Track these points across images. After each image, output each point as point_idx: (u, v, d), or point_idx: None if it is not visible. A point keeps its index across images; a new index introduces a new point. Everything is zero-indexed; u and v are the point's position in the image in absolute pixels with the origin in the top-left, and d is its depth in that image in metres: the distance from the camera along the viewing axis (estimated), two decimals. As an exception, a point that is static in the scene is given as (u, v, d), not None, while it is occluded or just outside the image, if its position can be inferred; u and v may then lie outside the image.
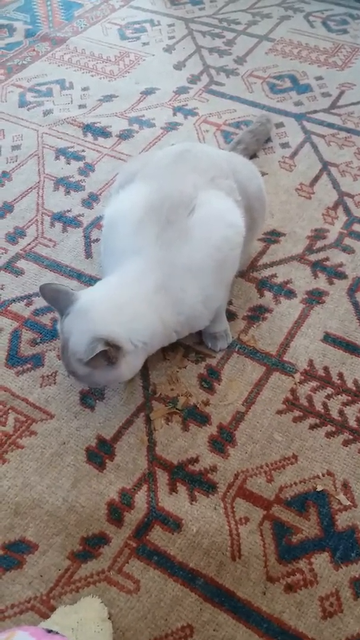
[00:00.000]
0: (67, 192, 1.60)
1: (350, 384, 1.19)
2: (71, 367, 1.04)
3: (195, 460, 1.09)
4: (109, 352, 0.98)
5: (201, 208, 1.08)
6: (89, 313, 1.02)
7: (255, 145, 1.66)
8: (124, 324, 1.02)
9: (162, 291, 1.04)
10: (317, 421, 1.14)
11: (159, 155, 1.23)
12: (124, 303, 1.03)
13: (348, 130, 1.77)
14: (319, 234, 1.48)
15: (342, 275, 1.39)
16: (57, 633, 0.66)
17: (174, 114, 1.84)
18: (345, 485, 1.06)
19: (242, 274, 1.38)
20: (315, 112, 1.84)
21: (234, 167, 1.24)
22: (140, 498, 1.05)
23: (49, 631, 0.66)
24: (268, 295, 1.35)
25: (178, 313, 1.07)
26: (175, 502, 1.04)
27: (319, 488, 1.05)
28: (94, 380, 1.05)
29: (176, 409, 1.16)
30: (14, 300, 1.35)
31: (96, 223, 1.51)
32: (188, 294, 1.07)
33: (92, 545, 1.00)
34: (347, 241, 1.46)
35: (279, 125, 1.79)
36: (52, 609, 0.93)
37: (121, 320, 1.02)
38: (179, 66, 2.04)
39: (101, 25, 2.27)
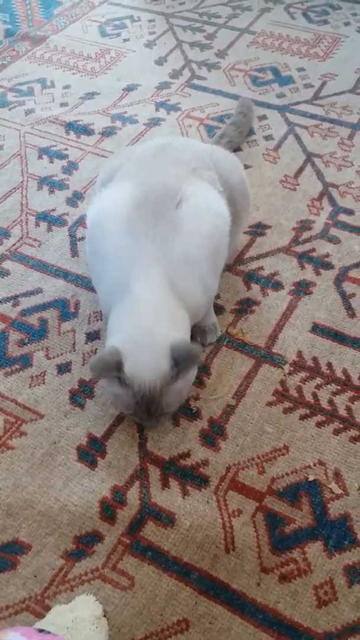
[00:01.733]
0: (51, 191, 1.59)
1: (339, 374, 1.19)
2: (165, 399, 0.99)
3: (186, 455, 1.09)
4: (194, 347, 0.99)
5: (188, 200, 1.07)
6: (146, 340, 0.98)
7: (238, 138, 1.66)
8: (177, 324, 1.02)
9: (170, 286, 1.03)
10: (307, 411, 1.14)
11: (139, 150, 1.22)
12: (161, 310, 1.01)
13: (331, 121, 1.77)
14: (304, 225, 1.48)
15: (328, 266, 1.39)
16: (49, 632, 0.66)
17: (157, 110, 1.83)
18: (337, 474, 1.06)
19: (228, 268, 1.38)
20: (297, 103, 1.84)
21: (216, 159, 1.24)
22: (133, 494, 1.04)
23: (41, 631, 0.65)
24: (255, 288, 1.35)
25: (187, 306, 1.06)
26: (168, 497, 1.04)
27: (311, 478, 1.05)
28: (186, 387, 1.03)
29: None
30: (1, 302, 1.34)
31: (81, 221, 1.51)
32: (189, 285, 1.06)
33: (85, 543, 0.99)
34: (333, 231, 1.46)
35: (262, 117, 1.79)
36: (47, 608, 0.93)
37: (173, 322, 1.02)
38: (160, 61, 2.04)
39: (81, 22, 2.26)
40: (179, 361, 0.97)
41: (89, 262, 1.18)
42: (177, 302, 1.04)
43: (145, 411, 0.99)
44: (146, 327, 0.99)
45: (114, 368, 0.96)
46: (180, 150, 1.18)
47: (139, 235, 1.03)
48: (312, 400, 1.16)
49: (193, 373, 1.05)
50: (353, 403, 1.15)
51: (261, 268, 1.39)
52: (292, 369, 1.20)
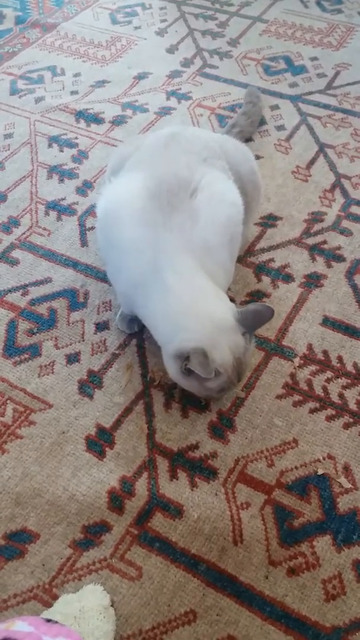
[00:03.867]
0: (61, 180, 1.58)
1: (349, 367, 1.18)
2: (248, 362, 1.05)
3: (195, 447, 1.09)
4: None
5: (203, 190, 1.07)
6: (216, 331, 1.00)
7: (250, 127, 1.64)
8: (222, 298, 1.05)
9: (202, 268, 1.04)
10: (317, 405, 1.13)
11: (149, 140, 1.21)
12: (205, 294, 1.03)
13: (344, 111, 1.75)
14: (316, 217, 1.46)
15: (340, 258, 1.37)
16: (56, 622, 0.65)
17: (168, 99, 1.81)
18: (346, 468, 1.05)
19: (239, 259, 1.36)
20: (310, 93, 1.82)
21: (226, 149, 1.23)
22: (141, 485, 1.04)
23: (48, 620, 0.65)
24: (266, 279, 1.34)
25: None
26: (176, 489, 1.04)
27: (320, 472, 1.05)
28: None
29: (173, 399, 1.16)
30: (10, 291, 1.34)
31: (91, 210, 1.50)
32: (212, 271, 1.06)
33: (93, 533, 0.99)
34: (345, 223, 1.45)
35: (274, 107, 1.77)
36: (55, 597, 0.93)
37: (219, 297, 1.05)
38: (171, 50, 2.01)
39: (92, 10, 2.23)
40: (251, 326, 1.02)
41: (103, 254, 1.17)
42: (211, 281, 1.05)
43: (235, 382, 1.03)
44: (208, 316, 1.01)
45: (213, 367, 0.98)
46: (190, 140, 1.17)
47: (157, 225, 1.03)
48: (322, 394, 1.15)
49: None
50: (363, 397, 1.14)
51: (272, 260, 1.38)
52: (302, 362, 1.20)
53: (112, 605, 0.92)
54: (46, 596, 0.94)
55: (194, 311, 1.01)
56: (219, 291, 1.05)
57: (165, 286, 1.01)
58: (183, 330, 1.01)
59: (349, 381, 1.16)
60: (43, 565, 0.97)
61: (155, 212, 1.04)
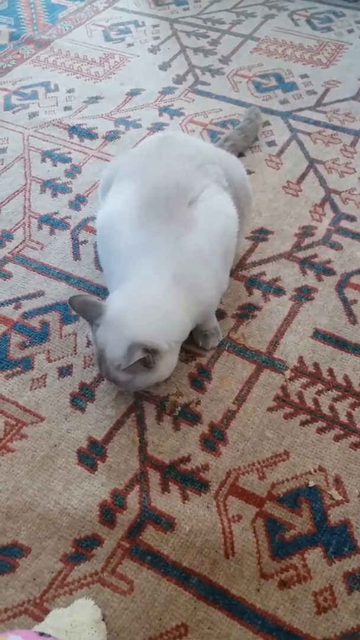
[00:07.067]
0: (54, 195, 1.60)
1: (340, 380, 1.19)
2: (111, 375, 1.05)
3: (187, 460, 1.09)
4: (147, 358, 1.00)
5: (203, 202, 1.10)
6: (121, 321, 1.02)
7: (243, 142, 1.66)
8: (159, 327, 1.04)
9: (180, 283, 1.05)
10: (308, 417, 1.14)
11: (139, 146, 1.23)
12: (153, 305, 1.04)
13: (334, 128, 1.77)
14: (306, 231, 1.48)
15: (330, 272, 1.39)
16: (49, 636, 0.65)
17: (160, 115, 1.84)
18: (337, 481, 1.06)
19: (230, 272, 1.38)
20: (300, 110, 1.84)
21: (220, 154, 1.26)
22: (133, 498, 1.04)
23: (42, 634, 0.65)
24: (257, 293, 1.35)
25: (197, 303, 1.09)
26: (168, 502, 1.04)
27: (311, 484, 1.05)
28: (135, 384, 1.07)
29: (165, 412, 1.16)
30: (3, 304, 1.34)
31: (84, 225, 1.51)
32: (203, 279, 1.08)
33: (84, 547, 0.99)
34: (335, 237, 1.46)
35: (265, 123, 1.79)
36: (46, 612, 0.93)
37: (156, 324, 1.03)
38: (164, 67, 2.04)
39: (85, 27, 2.26)
40: (129, 360, 0.99)
41: (101, 262, 1.20)
42: (178, 301, 1.05)
43: (102, 372, 1.08)
44: (129, 314, 1.03)
45: (85, 315, 1.06)
46: (183, 144, 1.20)
47: (152, 231, 1.06)
48: (313, 406, 1.16)
49: (154, 376, 1.06)
50: (354, 409, 1.15)
51: (263, 273, 1.39)
52: (293, 374, 1.20)
53: (103, 619, 0.91)
54: (37, 610, 0.93)
55: (124, 307, 1.04)
56: (170, 314, 1.05)
57: (137, 273, 1.06)
58: (117, 300, 1.06)
59: (340, 393, 1.17)
60: (34, 579, 0.96)
61: (151, 220, 1.06)
